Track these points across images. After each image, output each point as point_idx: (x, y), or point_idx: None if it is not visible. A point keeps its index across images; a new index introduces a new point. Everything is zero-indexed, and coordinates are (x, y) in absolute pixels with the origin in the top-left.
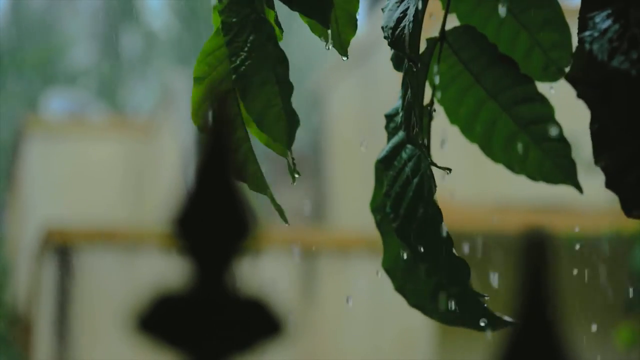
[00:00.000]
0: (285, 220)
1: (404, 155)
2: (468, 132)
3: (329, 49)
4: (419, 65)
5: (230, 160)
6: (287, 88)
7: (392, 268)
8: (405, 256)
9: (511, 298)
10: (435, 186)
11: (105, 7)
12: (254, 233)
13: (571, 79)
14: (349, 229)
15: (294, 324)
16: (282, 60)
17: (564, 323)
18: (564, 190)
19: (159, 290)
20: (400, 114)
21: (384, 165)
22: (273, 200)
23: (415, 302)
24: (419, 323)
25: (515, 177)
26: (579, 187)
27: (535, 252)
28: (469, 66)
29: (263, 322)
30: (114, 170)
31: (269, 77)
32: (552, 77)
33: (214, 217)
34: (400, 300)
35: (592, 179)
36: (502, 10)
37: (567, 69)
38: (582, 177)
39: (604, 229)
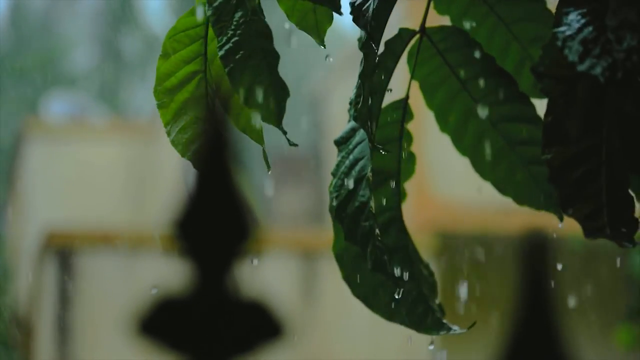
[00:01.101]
0: (268, 166)
1: (357, 137)
2: (458, 143)
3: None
4: (376, 43)
5: (229, 162)
6: (273, 59)
7: (341, 255)
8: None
9: (511, 299)
10: (372, 170)
11: (106, 9)
12: (254, 236)
13: (537, 73)
14: None
15: (295, 325)
16: (268, 34)
17: (563, 324)
18: None
19: (160, 294)
20: (353, 96)
21: (337, 146)
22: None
23: (359, 293)
24: None
25: None
26: (560, 216)
27: (535, 254)
28: (456, 71)
29: (263, 324)
30: (115, 173)
31: (256, 53)
32: (542, 95)
33: (214, 220)
34: None
35: None
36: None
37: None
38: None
39: None
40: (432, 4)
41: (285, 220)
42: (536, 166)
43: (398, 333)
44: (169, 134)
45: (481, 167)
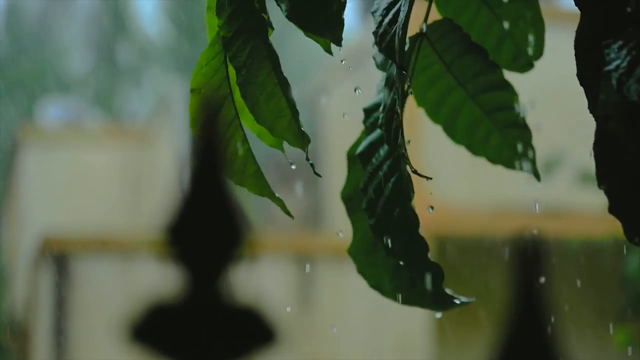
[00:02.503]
0: (288, 213)
1: (382, 152)
2: (433, 114)
3: (332, 54)
4: (406, 70)
5: (223, 167)
6: (285, 83)
7: (356, 253)
8: (369, 240)
9: (505, 301)
10: (414, 192)
11: (101, 15)
12: (248, 240)
13: (601, 116)
14: (346, 234)
15: (291, 330)
16: (276, 59)
17: (558, 327)
18: (560, 195)
19: (152, 299)
20: (381, 114)
21: (361, 160)
22: (274, 197)
23: (374, 282)
24: (416, 327)
25: (511, 182)
26: (537, 175)
27: (528, 257)
28: (443, 56)
29: (256, 330)
30: (111, 177)
31: (276, 93)
32: (521, 69)
33: (207, 225)
34: (397, 305)
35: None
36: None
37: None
38: (576, 184)
39: (599, 233)
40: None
41: (280, 223)
42: (510, 129)
43: (394, 336)
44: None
45: (455, 134)
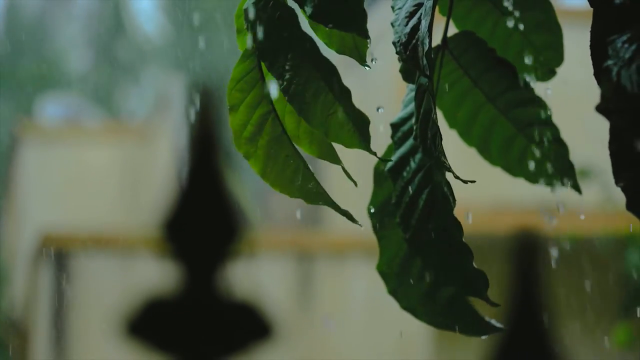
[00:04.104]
0: (356, 222)
1: (413, 165)
2: (466, 135)
3: (369, 67)
4: (431, 80)
5: (219, 162)
6: (344, 92)
7: (386, 271)
8: (400, 259)
9: (504, 299)
10: (455, 199)
11: (100, 13)
12: (244, 236)
13: (604, 110)
14: (345, 231)
15: (291, 327)
16: (329, 67)
17: (557, 324)
18: (558, 192)
19: (148, 295)
20: (415, 126)
21: (392, 175)
22: (337, 207)
23: (407, 304)
24: (416, 326)
25: (509, 178)
26: (577, 189)
27: (526, 254)
28: (468, 71)
29: (252, 325)
30: (110, 175)
31: (321, 88)
32: (544, 77)
33: (203, 221)
34: (396, 303)
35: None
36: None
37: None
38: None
39: (599, 230)
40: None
41: (280, 221)
42: (546, 145)
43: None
44: (266, 179)
45: (490, 155)
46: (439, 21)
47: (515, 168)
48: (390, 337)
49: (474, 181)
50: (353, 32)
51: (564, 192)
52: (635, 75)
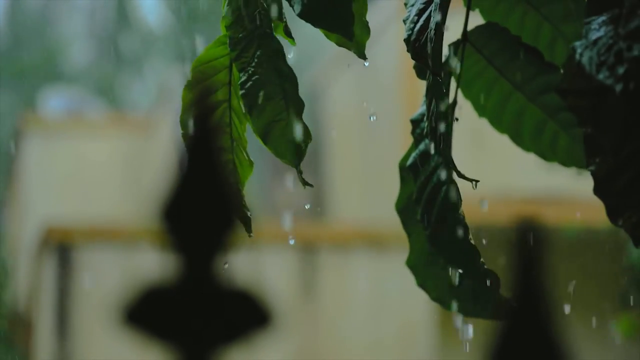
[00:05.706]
0: (249, 233)
1: (432, 162)
2: (497, 124)
3: (366, 59)
4: (442, 76)
5: (218, 153)
6: (296, 104)
7: (415, 265)
8: (427, 253)
9: (506, 289)
10: (461, 199)
11: (103, 5)
12: (244, 226)
13: (560, 91)
14: (349, 223)
15: (294, 318)
16: (290, 76)
17: (558, 314)
18: (561, 182)
19: (147, 284)
20: (426, 123)
21: (411, 172)
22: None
23: (436, 296)
24: (418, 317)
25: (511, 168)
26: None
27: (527, 244)
28: (493, 61)
29: (251, 313)
30: (113, 167)
31: (276, 92)
32: None
33: (201, 210)
34: (399, 295)
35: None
36: None
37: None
38: (577, 170)
39: (601, 220)
40: (461, 2)
41: (284, 212)
42: (577, 128)
43: (396, 326)
44: None
45: (523, 142)
46: (465, 14)
47: (548, 153)
48: (392, 328)
49: (478, 180)
50: (339, 34)
51: (567, 181)
52: (596, 57)
